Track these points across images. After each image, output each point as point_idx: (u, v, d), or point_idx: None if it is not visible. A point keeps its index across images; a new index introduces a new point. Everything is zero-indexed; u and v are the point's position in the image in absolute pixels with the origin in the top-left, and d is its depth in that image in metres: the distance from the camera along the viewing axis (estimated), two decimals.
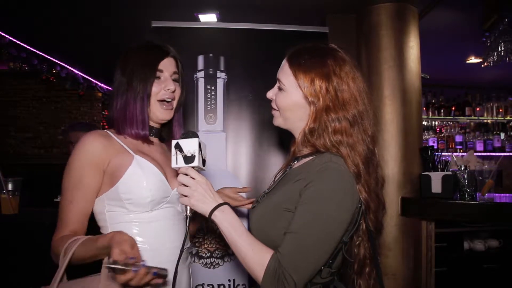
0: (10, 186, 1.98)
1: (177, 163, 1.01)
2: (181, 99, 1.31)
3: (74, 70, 4.84)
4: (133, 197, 1.13)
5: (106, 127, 1.30)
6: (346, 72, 1.04)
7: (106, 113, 6.06)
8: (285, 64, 1.10)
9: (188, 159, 1.00)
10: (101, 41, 3.75)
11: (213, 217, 0.99)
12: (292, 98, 1.07)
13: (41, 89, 5.74)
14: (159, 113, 1.23)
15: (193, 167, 1.01)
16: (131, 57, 1.23)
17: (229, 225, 0.98)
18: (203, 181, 1.01)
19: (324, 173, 0.97)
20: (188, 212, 1.03)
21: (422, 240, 2.53)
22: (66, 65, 4.66)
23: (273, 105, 1.15)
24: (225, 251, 2.17)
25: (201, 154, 1.01)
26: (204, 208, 1.00)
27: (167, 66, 1.24)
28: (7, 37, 3.62)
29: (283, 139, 2.20)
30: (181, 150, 1.00)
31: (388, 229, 2.45)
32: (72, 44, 3.95)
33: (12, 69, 4.00)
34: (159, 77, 1.22)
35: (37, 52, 4.11)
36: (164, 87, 1.22)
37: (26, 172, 2.60)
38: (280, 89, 1.11)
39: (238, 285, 2.16)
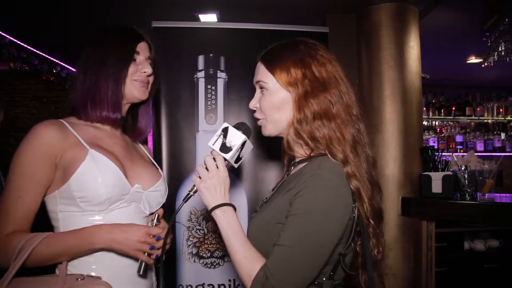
0: None
1: (213, 144, 0.99)
2: (154, 86, 1.26)
3: (74, 70, 4.83)
4: (87, 195, 1.03)
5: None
6: (321, 55, 1.03)
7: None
8: (260, 66, 1.08)
9: (225, 148, 0.97)
10: None
11: (213, 213, 0.98)
12: (277, 95, 1.02)
13: (41, 89, 5.74)
14: (135, 91, 1.17)
15: (224, 158, 0.99)
16: (108, 36, 1.20)
17: (228, 226, 0.97)
18: (223, 176, 0.98)
19: (312, 183, 0.91)
20: (192, 192, 1.01)
21: (422, 240, 2.53)
22: (66, 65, 4.66)
23: (257, 115, 1.08)
24: (225, 251, 2.17)
25: (240, 152, 0.99)
26: (209, 201, 0.98)
27: (143, 49, 1.21)
28: (7, 37, 3.62)
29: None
30: (225, 136, 0.97)
31: (388, 229, 2.45)
32: (72, 44, 3.94)
33: (13, 69, 4.00)
34: (135, 59, 1.19)
35: (38, 52, 4.11)
36: (140, 69, 1.18)
37: None
38: (262, 89, 1.06)
39: (238, 285, 2.16)
